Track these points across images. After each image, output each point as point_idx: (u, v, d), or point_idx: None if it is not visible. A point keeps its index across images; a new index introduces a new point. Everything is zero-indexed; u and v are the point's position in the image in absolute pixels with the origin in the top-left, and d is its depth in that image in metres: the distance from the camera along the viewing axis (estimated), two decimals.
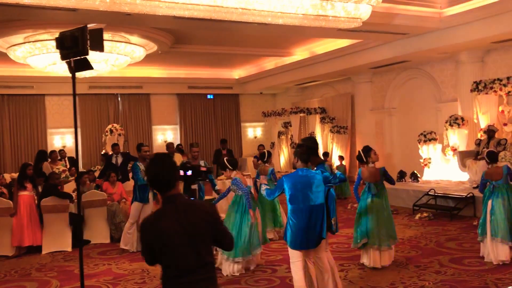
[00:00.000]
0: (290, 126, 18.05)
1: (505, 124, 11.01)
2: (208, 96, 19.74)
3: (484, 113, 11.30)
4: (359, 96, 16.04)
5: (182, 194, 2.92)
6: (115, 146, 11.60)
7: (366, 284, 5.81)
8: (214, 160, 14.12)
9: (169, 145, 12.38)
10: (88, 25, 3.89)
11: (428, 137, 12.46)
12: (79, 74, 11.68)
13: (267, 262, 6.93)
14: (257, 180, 8.42)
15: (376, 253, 6.38)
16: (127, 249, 7.97)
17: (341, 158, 14.24)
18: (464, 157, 11.20)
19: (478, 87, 11.04)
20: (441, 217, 9.61)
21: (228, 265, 6.51)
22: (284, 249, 6.58)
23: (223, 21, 8.33)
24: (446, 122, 12.01)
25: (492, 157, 6.61)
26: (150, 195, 7.97)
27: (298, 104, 18.32)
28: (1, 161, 16.28)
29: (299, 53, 15.21)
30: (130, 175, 11.11)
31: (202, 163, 8.85)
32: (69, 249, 8.39)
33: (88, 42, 3.91)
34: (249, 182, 7.23)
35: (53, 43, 4.15)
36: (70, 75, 4.45)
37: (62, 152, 13.17)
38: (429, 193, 10.35)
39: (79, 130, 17.19)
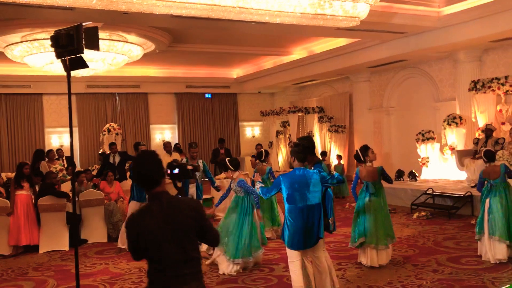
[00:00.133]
0: (288, 125, 18.03)
1: (503, 123, 11.01)
2: (206, 96, 19.72)
3: (482, 112, 11.30)
4: (357, 95, 16.04)
5: (167, 191, 2.96)
6: (112, 145, 11.57)
7: (364, 283, 5.81)
8: (212, 159, 14.13)
9: (167, 144, 12.36)
10: (84, 24, 3.87)
11: (426, 136, 12.46)
12: (77, 73, 11.68)
13: (264, 261, 6.91)
14: (253, 178, 8.42)
15: (374, 252, 6.37)
16: (124, 248, 7.94)
17: (339, 157, 14.24)
18: (462, 156, 11.20)
19: (476, 86, 11.04)
20: (439, 216, 9.61)
21: (227, 265, 6.50)
22: (282, 248, 6.58)
23: (220, 20, 8.31)
24: (444, 121, 12.01)
25: (490, 156, 6.61)
26: None
27: (296, 104, 18.31)
28: None
29: (297, 52, 15.20)
30: (128, 174, 11.11)
31: (200, 163, 8.84)
32: (66, 248, 8.37)
33: (84, 40, 3.89)
34: (248, 182, 7.22)
35: (50, 42, 4.13)
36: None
37: (59, 151, 13.12)
38: (427, 192, 10.35)
39: (77, 129, 17.23)
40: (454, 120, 11.78)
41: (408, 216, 9.86)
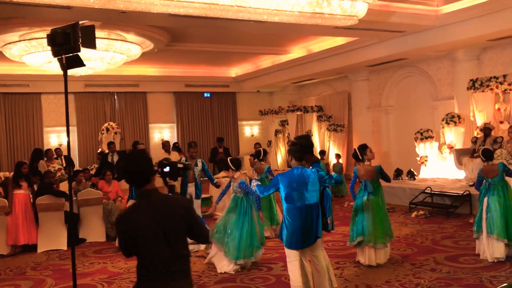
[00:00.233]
0: (287, 124, 18.03)
1: (501, 122, 11.01)
2: (205, 95, 19.71)
3: (480, 111, 11.31)
4: (356, 94, 16.03)
5: (157, 189, 3.00)
6: (111, 144, 11.57)
7: (362, 282, 5.81)
8: (211, 158, 14.12)
9: (165, 144, 12.34)
10: (80, 22, 3.86)
11: (424, 135, 12.46)
12: (75, 72, 11.68)
13: (263, 260, 6.91)
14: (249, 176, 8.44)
15: (372, 251, 6.37)
16: None
17: (338, 156, 14.24)
18: (461, 155, 11.21)
19: (475, 85, 11.04)
20: (437, 215, 9.61)
21: (228, 264, 6.49)
22: (280, 247, 6.58)
23: (218, 19, 8.31)
24: (443, 120, 12.01)
25: (488, 155, 6.62)
26: None
27: (295, 103, 18.30)
28: None
29: (296, 51, 15.19)
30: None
31: (199, 162, 8.85)
32: (65, 247, 8.37)
33: (80, 39, 3.88)
34: (248, 182, 7.22)
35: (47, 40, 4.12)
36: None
37: (58, 150, 13.13)
38: (426, 191, 10.35)
39: (75, 128, 17.21)
40: (452, 119, 11.78)
41: (406, 215, 9.86)
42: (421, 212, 9.68)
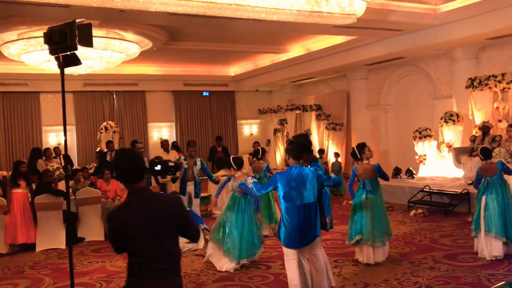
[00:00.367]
0: (286, 123, 18.04)
1: (499, 121, 11.02)
2: (204, 93, 19.70)
3: (479, 110, 11.32)
4: (355, 93, 16.03)
5: (148, 187, 3.04)
6: (109, 143, 11.56)
7: (360, 280, 5.81)
8: (210, 157, 14.13)
9: (164, 143, 12.33)
10: (77, 20, 3.86)
11: (423, 134, 12.46)
12: (74, 71, 11.66)
13: (261, 258, 6.90)
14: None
15: (370, 249, 6.38)
16: None
17: (336, 155, 14.25)
18: (459, 153, 11.21)
19: (473, 83, 11.05)
20: (436, 214, 9.62)
21: (228, 263, 6.50)
22: (279, 245, 6.56)
23: (217, 17, 8.30)
24: (441, 119, 12.02)
25: (486, 154, 6.62)
26: None
27: (294, 101, 18.30)
28: None
29: (295, 50, 15.19)
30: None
31: (198, 161, 8.85)
32: (63, 246, 8.36)
33: (77, 37, 3.87)
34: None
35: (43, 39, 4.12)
36: (65, 72, 4.43)
37: (56, 149, 13.12)
38: (424, 189, 10.36)
39: (74, 127, 17.22)
40: (451, 118, 11.79)
41: (405, 214, 9.86)
42: (420, 211, 9.69)
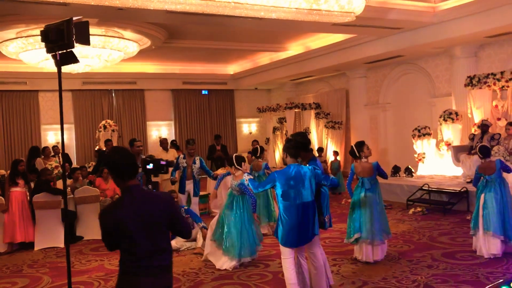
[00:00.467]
0: (285, 121, 18.03)
1: (498, 119, 11.02)
2: (203, 92, 19.68)
3: (478, 108, 11.31)
4: (354, 91, 16.02)
5: (140, 185, 3.09)
6: (108, 142, 11.55)
7: (359, 278, 5.81)
8: (208, 155, 14.13)
9: (163, 141, 12.34)
10: (74, 18, 3.84)
11: (422, 132, 12.46)
12: (72, 69, 11.64)
13: (260, 257, 6.90)
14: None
15: (369, 247, 6.37)
16: None
17: (335, 153, 14.24)
18: (458, 151, 11.21)
19: (472, 81, 11.03)
20: (434, 212, 9.62)
21: (228, 261, 6.49)
22: (278, 244, 6.53)
23: (216, 16, 8.29)
24: (440, 117, 12.01)
25: (485, 152, 6.61)
26: None
27: (293, 100, 18.29)
28: None
29: (294, 48, 15.17)
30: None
31: (197, 159, 8.84)
32: (62, 245, 8.34)
33: (74, 35, 3.86)
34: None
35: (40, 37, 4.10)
36: (64, 70, 4.43)
37: (55, 148, 13.09)
38: (423, 188, 10.36)
39: (73, 126, 17.20)
40: (450, 116, 11.78)
41: (404, 212, 9.86)
42: (419, 209, 9.69)
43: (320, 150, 14.13)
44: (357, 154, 6.58)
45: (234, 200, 6.71)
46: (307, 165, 5.14)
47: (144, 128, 18.52)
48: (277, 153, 18.58)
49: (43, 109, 17.00)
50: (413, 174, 12.30)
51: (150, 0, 7.28)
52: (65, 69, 10.08)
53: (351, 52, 13.49)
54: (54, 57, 4.05)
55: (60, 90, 4.19)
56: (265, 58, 16.90)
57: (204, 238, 7.29)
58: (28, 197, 8.50)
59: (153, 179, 7.92)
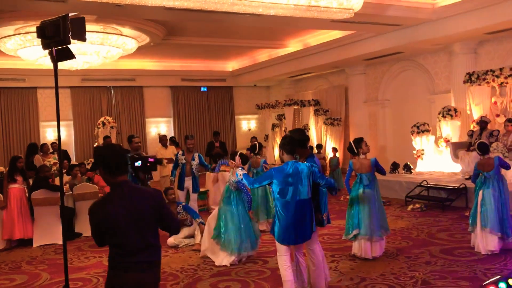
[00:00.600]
0: (284, 118, 18.01)
1: (497, 115, 11.02)
2: (202, 89, 19.65)
3: (477, 104, 11.31)
4: (353, 88, 16.02)
5: (129, 181, 3.13)
6: (106, 138, 11.55)
7: (357, 275, 5.81)
8: (207, 152, 14.13)
9: (162, 138, 12.33)
10: (70, 14, 3.83)
11: (421, 129, 12.45)
12: (70, 66, 11.61)
13: (258, 253, 6.91)
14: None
15: (367, 244, 6.38)
16: None
17: (334, 150, 14.23)
18: (457, 148, 11.22)
19: (471, 78, 11.03)
20: (433, 208, 9.63)
21: (228, 257, 6.49)
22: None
23: (214, 12, 8.28)
24: (439, 114, 12.01)
25: (483, 149, 6.61)
26: None
27: (292, 97, 18.28)
28: None
29: (293, 45, 15.16)
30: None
31: (196, 155, 8.84)
32: (60, 242, 8.31)
33: (70, 31, 3.84)
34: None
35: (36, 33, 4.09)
36: (63, 67, 4.41)
37: (54, 145, 13.09)
38: (422, 184, 10.36)
39: (72, 123, 17.17)
40: (449, 113, 11.78)
41: (402, 208, 9.87)
42: (417, 206, 9.70)
43: (319, 147, 14.12)
44: (356, 151, 6.58)
45: (231, 195, 6.72)
46: (305, 162, 5.11)
47: (143, 124, 18.51)
48: (276, 150, 18.54)
49: (42, 106, 16.97)
50: (412, 171, 12.30)
51: None
52: (64, 66, 10.06)
53: (350, 48, 13.48)
54: (50, 53, 4.03)
55: (56, 87, 4.18)
56: (264, 55, 16.88)
57: (201, 233, 7.30)
58: (27, 194, 8.50)
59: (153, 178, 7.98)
